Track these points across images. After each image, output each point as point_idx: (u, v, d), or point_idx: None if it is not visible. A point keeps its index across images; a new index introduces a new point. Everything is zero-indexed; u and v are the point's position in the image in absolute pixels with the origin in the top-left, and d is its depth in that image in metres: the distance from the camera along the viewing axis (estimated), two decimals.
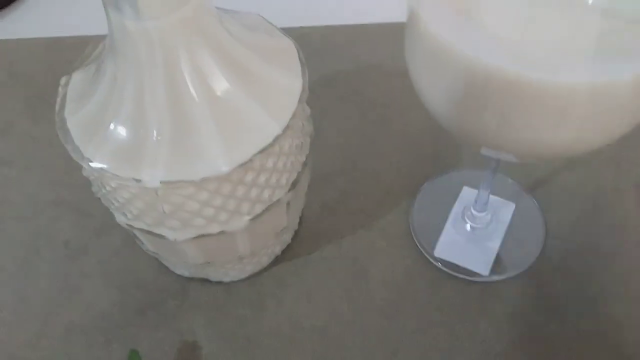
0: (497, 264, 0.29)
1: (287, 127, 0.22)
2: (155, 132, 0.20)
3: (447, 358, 0.26)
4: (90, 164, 0.21)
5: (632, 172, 0.32)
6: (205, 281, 0.29)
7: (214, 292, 0.29)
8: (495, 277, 0.28)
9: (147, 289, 0.29)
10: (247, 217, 0.24)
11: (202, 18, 0.20)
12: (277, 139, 0.22)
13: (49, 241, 0.31)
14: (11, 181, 0.34)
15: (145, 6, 0.19)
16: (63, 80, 0.24)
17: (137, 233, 0.25)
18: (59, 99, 0.23)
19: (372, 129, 0.35)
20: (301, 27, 0.41)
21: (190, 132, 0.21)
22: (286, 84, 0.23)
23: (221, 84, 0.21)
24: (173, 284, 0.29)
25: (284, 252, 0.30)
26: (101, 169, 0.21)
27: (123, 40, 0.20)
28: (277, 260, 0.30)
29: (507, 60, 0.17)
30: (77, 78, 0.23)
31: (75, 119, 0.22)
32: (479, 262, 0.29)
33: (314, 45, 0.40)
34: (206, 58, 0.20)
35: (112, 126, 0.21)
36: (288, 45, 0.24)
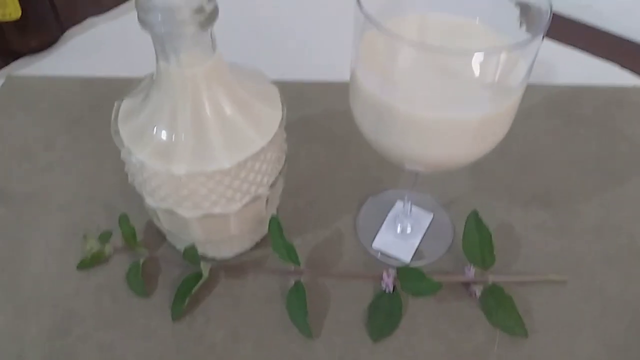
0: (417, 254, 0.39)
1: (270, 142, 0.33)
2: (182, 139, 0.31)
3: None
4: (137, 157, 0.32)
5: (519, 194, 0.43)
6: (202, 257, 0.39)
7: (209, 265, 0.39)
8: (415, 263, 0.39)
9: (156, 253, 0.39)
10: (239, 204, 0.34)
11: (219, 68, 0.31)
12: (262, 149, 0.33)
13: (85, 230, 0.41)
14: (55, 184, 0.44)
15: (185, 59, 0.30)
16: (116, 103, 0.35)
17: (159, 212, 0.35)
18: (113, 115, 0.34)
19: (333, 157, 0.46)
20: (279, 81, 0.52)
21: (205, 140, 0.31)
22: (271, 113, 0.34)
23: (228, 112, 0.32)
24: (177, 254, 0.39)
25: (262, 240, 0.40)
26: (144, 162, 0.32)
27: (166, 78, 0.31)
28: (256, 246, 0.40)
29: (403, 102, 0.28)
30: (127, 102, 0.34)
31: (126, 128, 0.33)
32: (404, 253, 0.39)
33: (292, 94, 0.51)
34: (219, 93, 0.31)
35: (153, 133, 0.32)
36: (273, 89, 0.36)
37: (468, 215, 0.37)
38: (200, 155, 0.31)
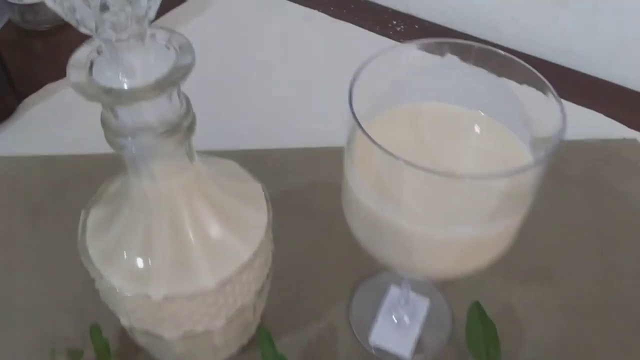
0: (417, 347, 0.37)
1: (256, 252, 0.30)
2: (160, 260, 0.28)
3: None
4: (108, 283, 0.28)
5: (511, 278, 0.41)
6: None
7: None
8: (416, 358, 0.36)
9: None
10: (224, 319, 0.31)
11: (198, 178, 0.28)
12: (249, 260, 0.30)
13: (53, 342, 0.37)
14: (16, 287, 0.40)
15: (159, 174, 0.27)
16: (82, 213, 0.31)
17: (136, 332, 0.32)
18: (79, 229, 0.31)
19: (320, 234, 0.43)
20: (261, 149, 0.49)
21: (186, 260, 0.28)
22: (256, 217, 0.31)
23: (210, 225, 0.29)
24: None
25: (249, 341, 0.37)
26: (117, 286, 0.28)
27: (138, 193, 0.28)
28: (243, 349, 0.37)
29: (406, 220, 0.26)
30: (94, 213, 0.31)
31: (95, 246, 0.29)
32: (404, 348, 0.37)
33: (273, 164, 0.48)
34: (200, 206, 0.28)
35: (126, 255, 0.28)
36: (257, 188, 0.33)
37: (470, 307, 0.35)
38: (181, 276, 0.28)
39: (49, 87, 0.57)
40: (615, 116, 0.56)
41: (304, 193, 0.47)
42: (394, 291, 0.39)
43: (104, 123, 0.25)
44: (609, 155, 0.51)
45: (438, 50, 0.29)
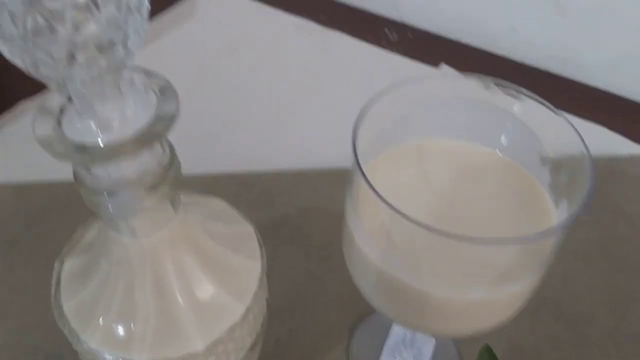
0: None
1: (249, 306, 0.27)
2: (143, 322, 0.25)
3: None
4: (86, 345, 0.26)
5: None
6: None
7: None
8: None
9: None
10: None
11: (183, 228, 0.26)
12: (241, 317, 0.27)
13: None
14: None
15: (140, 229, 0.24)
16: (56, 265, 0.28)
17: None
18: (53, 282, 0.28)
19: (315, 267, 0.41)
20: (250, 173, 0.47)
21: (172, 320, 0.25)
22: (248, 268, 0.28)
23: (198, 280, 0.26)
24: None
25: None
26: (96, 350, 0.25)
27: (117, 248, 0.25)
28: None
29: (406, 276, 0.23)
30: (70, 264, 0.28)
31: (71, 304, 0.26)
32: None
33: (263, 188, 0.46)
34: (186, 259, 0.26)
35: (105, 315, 0.25)
36: (248, 231, 0.30)
37: (480, 352, 0.32)
38: (167, 339, 0.25)
39: (23, 104, 0.54)
40: (618, 129, 0.54)
41: (296, 219, 0.44)
42: (397, 331, 0.37)
43: (76, 177, 0.22)
44: (616, 174, 0.48)
45: (451, 83, 0.27)
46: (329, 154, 0.49)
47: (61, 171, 0.44)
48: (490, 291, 0.23)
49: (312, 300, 0.39)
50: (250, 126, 0.53)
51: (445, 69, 0.59)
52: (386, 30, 0.67)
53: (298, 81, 0.58)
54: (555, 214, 0.25)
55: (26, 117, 0.52)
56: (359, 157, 0.23)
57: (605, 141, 0.53)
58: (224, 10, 0.67)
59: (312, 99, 0.55)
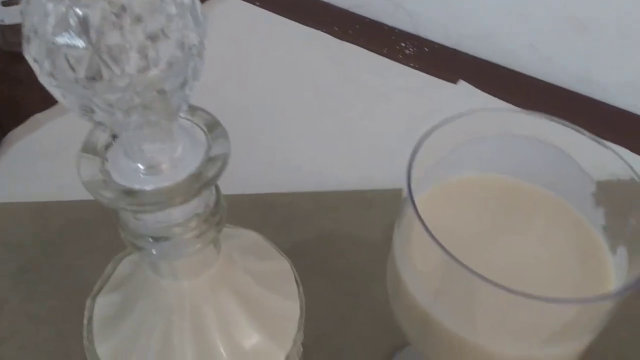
0: None
1: (289, 354, 0.26)
2: None
3: None
4: None
5: None
6: None
7: None
8: None
9: None
10: None
11: (224, 269, 0.24)
12: None
13: None
14: None
15: (182, 272, 0.23)
16: (88, 303, 0.27)
17: None
18: (85, 323, 0.26)
19: (340, 300, 0.39)
20: (268, 194, 0.45)
21: None
22: (287, 309, 0.27)
23: (238, 325, 0.24)
24: None
25: None
26: None
27: (155, 290, 0.24)
28: None
29: (457, 327, 0.22)
30: (101, 303, 0.27)
31: (104, 348, 0.25)
32: None
33: (282, 212, 0.44)
34: (227, 301, 0.24)
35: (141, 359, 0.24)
36: (284, 267, 0.29)
37: None
38: None
39: (37, 117, 0.52)
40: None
41: (319, 249, 0.42)
42: None
43: (119, 220, 0.20)
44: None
45: (501, 118, 0.26)
46: (346, 174, 0.47)
47: (78, 187, 0.43)
48: (543, 350, 0.22)
49: (341, 336, 0.37)
50: (264, 146, 0.51)
51: (463, 85, 0.58)
52: (402, 44, 0.66)
53: (312, 96, 0.57)
54: (612, 261, 0.24)
55: (40, 130, 0.51)
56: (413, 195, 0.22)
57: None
58: (235, 22, 0.66)
59: (328, 118, 0.54)
